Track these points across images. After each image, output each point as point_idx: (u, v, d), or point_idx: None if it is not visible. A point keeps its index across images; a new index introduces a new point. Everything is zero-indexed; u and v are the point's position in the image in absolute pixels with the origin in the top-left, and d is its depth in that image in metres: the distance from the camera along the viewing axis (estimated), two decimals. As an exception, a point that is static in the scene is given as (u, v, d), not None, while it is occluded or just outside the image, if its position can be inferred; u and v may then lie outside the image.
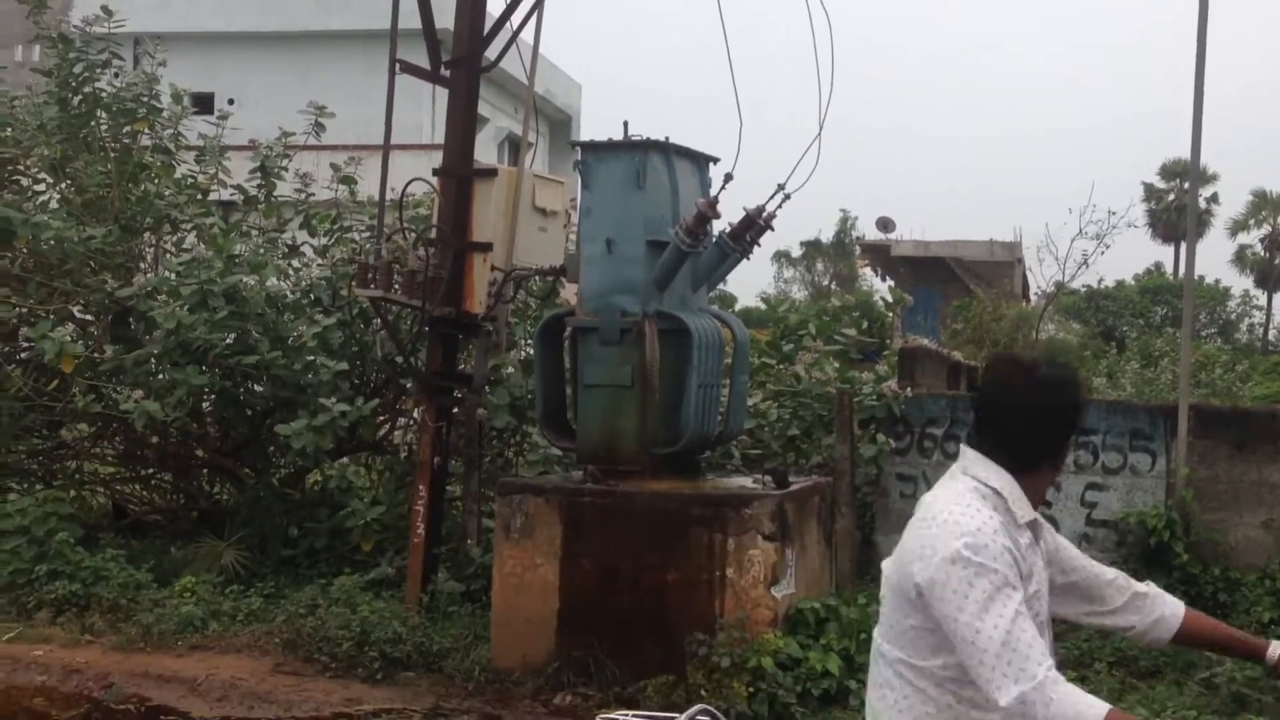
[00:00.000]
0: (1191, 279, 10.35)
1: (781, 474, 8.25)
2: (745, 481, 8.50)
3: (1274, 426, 9.82)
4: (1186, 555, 9.39)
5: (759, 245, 8.40)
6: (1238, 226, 60.24)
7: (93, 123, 11.54)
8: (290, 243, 11.87)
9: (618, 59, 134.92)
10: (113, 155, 11.44)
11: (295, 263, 11.78)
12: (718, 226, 8.34)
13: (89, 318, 11.19)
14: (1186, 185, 56.49)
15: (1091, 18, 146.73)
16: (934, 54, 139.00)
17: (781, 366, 10.84)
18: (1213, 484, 9.76)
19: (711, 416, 8.49)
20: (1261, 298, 56.42)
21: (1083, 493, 9.81)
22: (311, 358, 10.10)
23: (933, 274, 43.31)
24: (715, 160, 8.76)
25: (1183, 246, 33.61)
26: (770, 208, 8.19)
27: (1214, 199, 62.28)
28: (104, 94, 11.63)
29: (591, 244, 8.35)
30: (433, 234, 9.08)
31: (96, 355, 10.52)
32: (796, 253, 70.04)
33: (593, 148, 8.35)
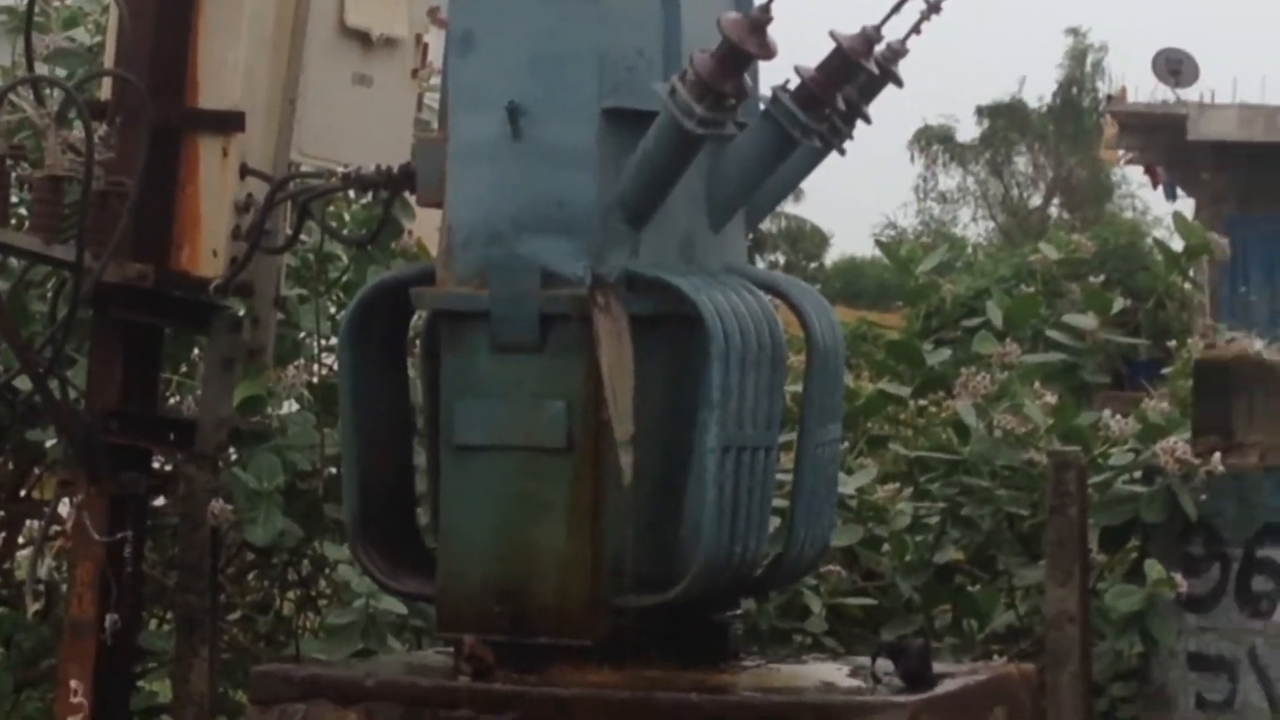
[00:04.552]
0: None
1: (918, 655, 5.25)
2: (835, 673, 5.51)
3: None
4: None
5: (867, 120, 5.12)
6: None
7: None
8: None
9: None
10: None
11: None
12: (766, 80, 5.08)
13: None
14: None
15: None
16: None
17: (923, 402, 7.21)
18: None
19: (755, 519, 5.18)
20: None
21: None
22: None
23: (1276, 181, 24.99)
24: (759, -72, 5.53)
25: None
26: (888, 37, 4.99)
27: None
28: None
29: (474, 115, 5.16)
30: (105, 94, 6.04)
31: None
32: (967, 134, 42.76)
33: (480, -111, 5.19)
